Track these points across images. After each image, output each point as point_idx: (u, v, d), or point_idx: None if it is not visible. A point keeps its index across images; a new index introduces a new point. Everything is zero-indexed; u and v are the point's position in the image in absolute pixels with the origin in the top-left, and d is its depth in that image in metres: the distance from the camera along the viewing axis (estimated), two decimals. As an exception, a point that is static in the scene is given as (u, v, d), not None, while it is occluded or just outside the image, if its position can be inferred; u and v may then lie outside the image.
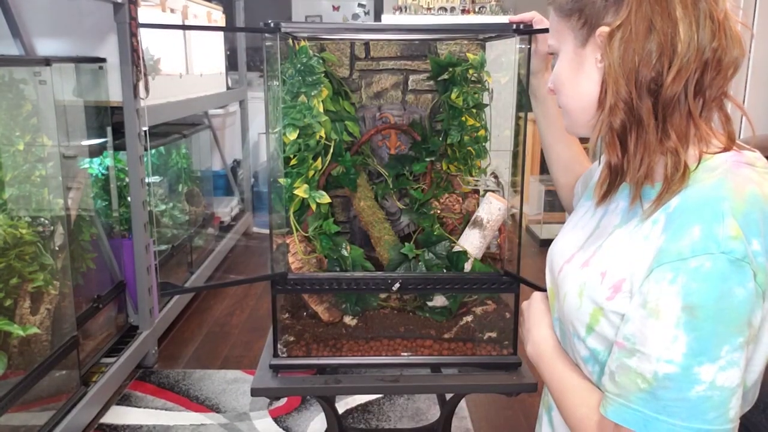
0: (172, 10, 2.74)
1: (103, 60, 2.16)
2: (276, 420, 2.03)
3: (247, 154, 4.21)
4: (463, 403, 2.07)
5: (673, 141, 0.63)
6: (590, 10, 0.67)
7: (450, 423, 1.37)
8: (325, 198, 1.12)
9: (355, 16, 5.48)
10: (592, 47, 0.68)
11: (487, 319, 1.18)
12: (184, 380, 2.27)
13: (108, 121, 2.26)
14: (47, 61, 1.75)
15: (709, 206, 0.60)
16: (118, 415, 2.04)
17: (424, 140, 1.21)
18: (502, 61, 1.18)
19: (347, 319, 1.17)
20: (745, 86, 2.58)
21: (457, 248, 1.17)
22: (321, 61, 1.09)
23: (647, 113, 0.63)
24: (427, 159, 1.21)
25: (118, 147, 2.30)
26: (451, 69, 1.16)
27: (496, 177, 1.24)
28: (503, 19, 2.02)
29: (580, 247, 0.76)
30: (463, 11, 4.36)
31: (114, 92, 2.17)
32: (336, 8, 5.53)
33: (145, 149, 2.24)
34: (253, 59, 4.74)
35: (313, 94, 1.07)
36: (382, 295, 1.18)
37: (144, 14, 2.31)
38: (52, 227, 1.75)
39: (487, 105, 1.20)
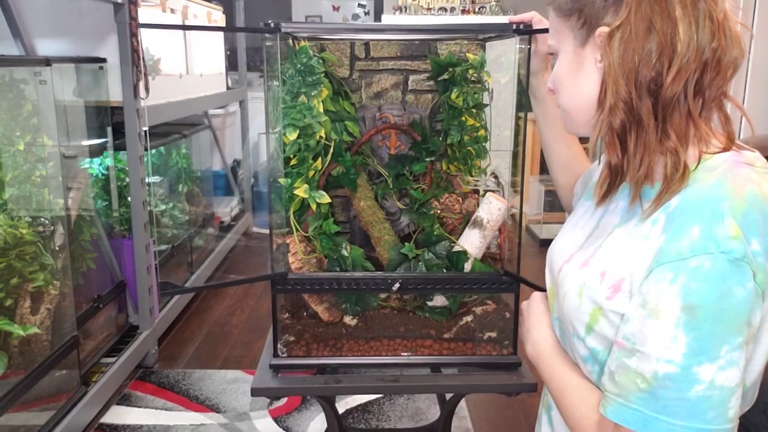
0: (172, 11, 2.74)
1: (104, 60, 2.16)
2: (276, 420, 2.03)
3: (247, 154, 4.22)
4: (463, 403, 2.07)
5: (672, 141, 0.63)
6: (590, 10, 0.67)
7: (450, 423, 1.37)
8: (325, 198, 1.12)
9: (355, 17, 5.48)
10: (592, 47, 0.68)
11: (487, 319, 1.18)
12: (184, 380, 2.27)
13: (108, 121, 2.26)
14: (47, 61, 1.75)
15: (708, 206, 0.60)
16: (118, 414, 2.04)
17: (424, 140, 1.21)
18: (502, 61, 1.18)
19: (347, 319, 1.17)
20: (745, 86, 2.59)
21: (457, 248, 1.17)
22: (321, 61, 1.09)
23: (647, 113, 0.64)
24: (427, 159, 1.21)
25: (119, 147, 2.30)
26: (451, 69, 1.16)
27: (496, 177, 1.24)
28: (503, 19, 2.02)
29: (580, 247, 0.76)
30: (463, 11, 4.37)
31: (114, 92, 2.17)
32: (336, 8, 5.53)
33: (146, 149, 2.24)
34: (253, 59, 4.75)
35: (313, 94, 1.08)
36: (382, 295, 1.19)
37: (144, 14, 2.32)
38: (52, 227, 1.75)
39: (487, 105, 1.20)
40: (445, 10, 4.37)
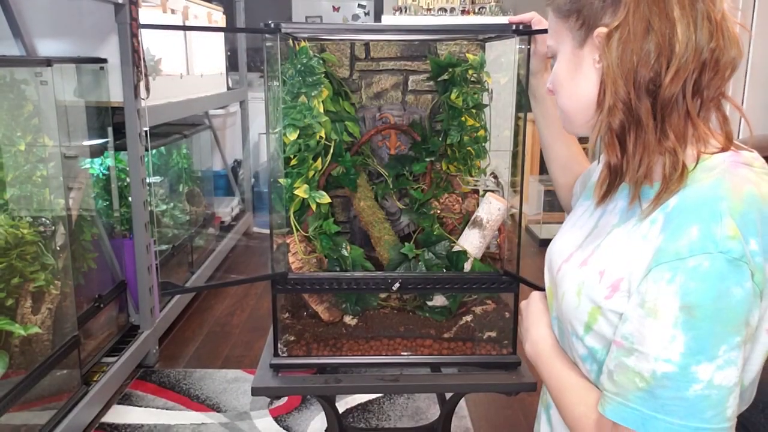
0: (172, 11, 2.75)
1: (104, 60, 2.17)
2: (276, 419, 2.03)
3: (248, 155, 4.22)
4: (462, 403, 2.07)
5: (671, 141, 0.64)
6: (588, 11, 0.67)
7: (450, 422, 1.37)
8: (325, 198, 1.12)
9: (355, 17, 5.48)
10: (590, 48, 0.68)
11: (487, 319, 1.18)
12: (184, 380, 2.28)
13: (109, 121, 2.26)
14: (48, 62, 1.76)
15: (707, 206, 0.61)
16: (119, 414, 2.05)
17: (423, 140, 1.22)
18: (501, 61, 1.19)
19: (347, 319, 1.17)
20: (744, 87, 2.59)
21: (456, 248, 1.17)
22: (321, 61, 1.09)
23: (646, 113, 0.64)
24: (427, 159, 1.21)
25: (119, 147, 2.31)
26: (450, 69, 1.16)
27: (495, 177, 1.24)
28: (503, 19, 2.02)
29: (579, 247, 0.76)
30: (463, 12, 4.37)
31: (115, 93, 2.17)
32: (336, 9, 5.53)
33: (146, 149, 2.25)
34: (253, 60, 4.75)
35: (313, 94, 1.08)
36: (382, 295, 1.19)
37: (145, 15, 2.32)
38: (53, 227, 1.75)
39: (486, 105, 1.21)
40: (445, 10, 4.37)
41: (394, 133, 1.24)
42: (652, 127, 0.64)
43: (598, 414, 0.66)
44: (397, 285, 1.09)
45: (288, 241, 1.15)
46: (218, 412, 2.08)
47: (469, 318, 1.18)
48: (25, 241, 1.64)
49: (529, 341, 0.82)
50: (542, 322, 0.81)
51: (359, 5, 5.50)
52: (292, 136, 1.07)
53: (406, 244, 1.18)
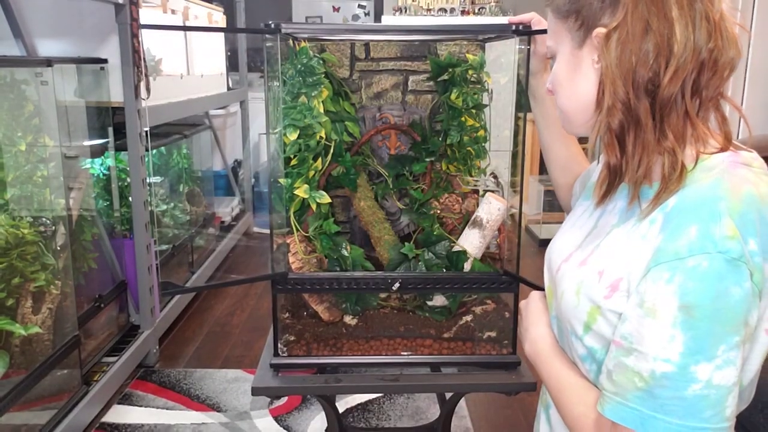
0: (173, 11, 2.75)
1: (105, 61, 2.17)
2: (277, 419, 2.03)
3: (248, 155, 4.22)
4: (462, 402, 2.08)
5: (670, 141, 0.64)
6: (587, 12, 0.67)
7: (450, 422, 1.37)
8: (325, 198, 1.12)
9: (355, 17, 5.48)
10: (589, 48, 0.68)
11: (487, 319, 1.18)
12: (185, 379, 2.28)
13: (109, 121, 2.26)
14: (49, 62, 1.76)
15: (706, 206, 0.61)
16: (119, 414, 2.05)
17: (423, 140, 1.22)
18: (501, 61, 1.19)
19: (347, 319, 1.17)
20: (744, 87, 2.59)
21: (456, 248, 1.18)
22: (321, 61, 1.09)
23: (645, 113, 0.64)
24: (427, 159, 1.21)
25: (120, 147, 2.31)
26: (450, 70, 1.16)
27: (495, 177, 1.25)
28: (503, 20, 2.03)
29: (578, 246, 0.76)
30: (463, 12, 4.37)
31: (115, 93, 2.18)
32: (336, 9, 5.53)
33: (147, 149, 2.25)
34: (253, 60, 4.75)
35: (313, 94, 1.08)
36: (382, 295, 1.19)
37: (145, 15, 2.32)
38: (53, 227, 1.75)
39: (486, 105, 1.21)
40: (445, 11, 4.38)
41: (394, 133, 1.24)
42: (651, 127, 0.64)
43: (597, 413, 0.66)
44: (397, 285, 1.09)
45: (288, 241, 1.15)
46: (218, 411, 2.08)
47: (469, 318, 1.18)
48: (26, 241, 1.65)
49: (529, 341, 0.82)
50: (541, 321, 0.81)
51: (359, 5, 5.50)
52: (293, 136, 1.08)
53: (406, 244, 1.19)
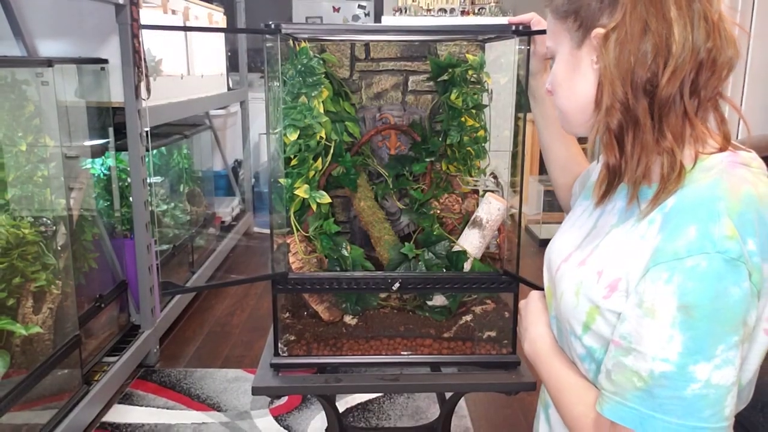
0: (173, 12, 2.75)
1: (105, 61, 2.17)
2: (277, 419, 2.03)
3: (248, 155, 4.22)
4: (462, 402, 2.08)
5: (669, 141, 0.64)
6: (585, 12, 0.67)
7: (449, 421, 1.37)
8: (325, 198, 1.12)
9: (355, 18, 5.48)
10: (588, 49, 0.68)
11: (487, 319, 1.18)
12: (185, 379, 2.28)
13: (110, 121, 2.27)
14: (49, 62, 1.76)
15: (704, 206, 0.61)
16: (120, 413, 2.05)
17: (423, 141, 1.22)
18: (501, 62, 1.19)
19: (347, 319, 1.17)
20: (743, 87, 2.59)
21: (456, 248, 1.18)
22: (321, 62, 1.09)
23: (643, 113, 0.64)
24: (427, 159, 1.21)
25: (120, 147, 2.31)
26: (450, 70, 1.17)
27: (495, 177, 1.25)
28: (502, 20, 2.03)
29: (578, 246, 0.76)
30: (463, 13, 4.37)
31: (116, 93, 2.18)
32: (336, 9, 5.53)
33: (147, 150, 2.25)
34: (254, 60, 4.75)
35: (313, 94, 1.08)
36: (382, 295, 1.19)
37: (145, 15, 2.32)
38: (54, 227, 1.76)
39: (486, 106, 1.21)
40: (445, 11, 4.38)
41: (394, 133, 1.24)
42: (649, 127, 0.64)
43: (596, 413, 0.66)
44: (397, 285, 1.09)
45: (288, 241, 1.15)
46: (219, 411, 2.08)
47: (468, 318, 1.18)
48: (27, 241, 1.65)
49: (528, 340, 0.82)
50: (541, 321, 0.82)
51: (359, 6, 5.50)
52: (293, 136, 1.08)
53: (406, 244, 1.19)
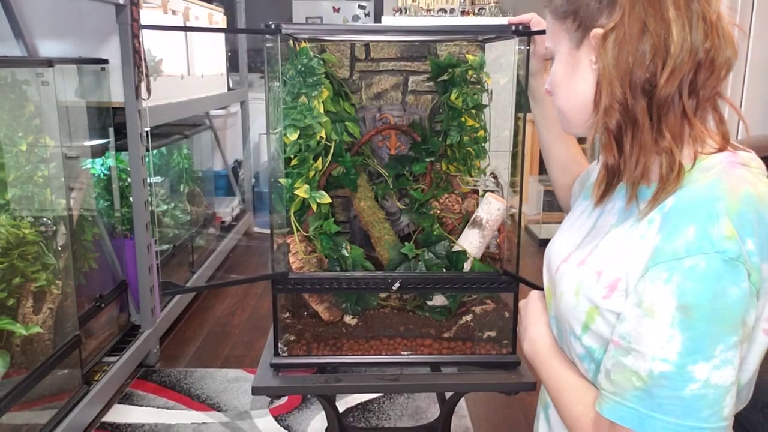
0: (173, 12, 2.75)
1: (105, 61, 2.17)
2: (277, 419, 2.04)
3: (248, 155, 4.22)
4: (462, 402, 2.08)
5: (667, 141, 0.64)
6: (584, 13, 0.68)
7: (449, 421, 1.37)
8: (325, 198, 1.13)
9: (356, 18, 5.48)
10: (587, 49, 0.69)
11: (487, 319, 1.18)
12: (185, 379, 2.28)
13: (110, 121, 2.27)
14: (50, 63, 1.76)
15: (704, 206, 0.61)
16: (120, 413, 2.05)
17: (423, 141, 1.22)
18: (501, 62, 1.19)
19: (347, 319, 1.18)
20: (743, 87, 2.59)
21: (456, 248, 1.18)
22: (321, 62, 1.10)
23: (642, 113, 0.64)
24: (427, 159, 1.21)
25: (120, 147, 2.31)
26: (450, 70, 1.17)
27: (495, 177, 1.25)
28: (502, 20, 2.03)
29: (577, 246, 0.76)
30: (463, 13, 4.37)
31: (116, 93, 2.18)
32: (336, 10, 5.53)
33: (147, 150, 2.25)
34: (254, 60, 4.76)
35: (313, 95, 1.08)
36: (382, 295, 1.19)
37: (146, 16, 2.32)
38: (54, 227, 1.76)
39: (486, 106, 1.21)
40: (445, 11, 4.38)
41: (394, 133, 1.24)
42: (648, 127, 0.64)
43: (595, 413, 0.66)
44: (397, 285, 1.10)
45: (288, 241, 1.15)
46: (219, 411, 2.08)
47: (468, 318, 1.19)
48: (27, 241, 1.65)
49: (528, 340, 0.82)
50: (541, 321, 0.82)
51: (359, 6, 5.51)
52: (293, 136, 1.08)
53: (406, 244, 1.19)
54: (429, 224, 1.20)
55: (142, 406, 2.11)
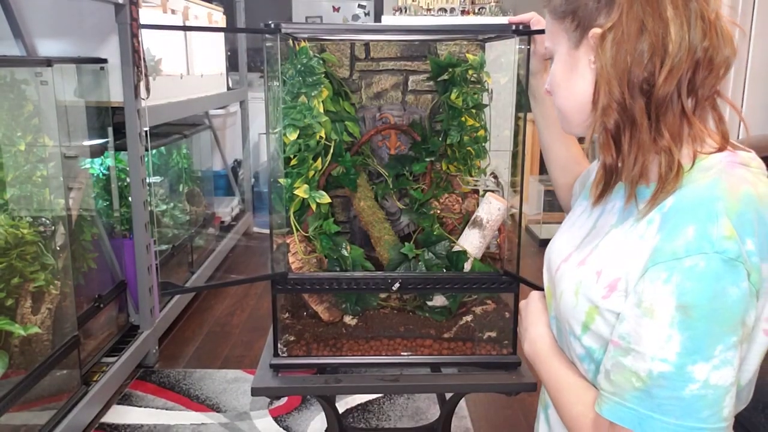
0: (173, 11, 2.75)
1: (105, 61, 2.17)
2: (276, 419, 2.03)
3: (248, 155, 4.22)
4: (462, 403, 2.08)
5: (666, 140, 0.64)
6: (583, 12, 0.67)
7: (450, 422, 1.37)
8: (325, 198, 1.12)
9: (355, 17, 5.48)
10: (586, 49, 0.68)
11: (487, 319, 1.18)
12: (184, 380, 2.28)
13: (109, 121, 2.27)
14: (49, 62, 1.76)
15: (703, 206, 0.61)
16: (118, 414, 2.05)
17: (423, 140, 1.22)
18: (501, 61, 1.19)
19: (347, 319, 1.17)
20: (744, 87, 2.59)
21: (456, 248, 1.18)
22: (321, 61, 1.09)
23: (640, 113, 0.64)
24: (427, 159, 1.21)
25: (119, 147, 2.31)
26: (450, 69, 1.17)
27: (495, 177, 1.25)
28: (502, 20, 2.03)
29: (577, 246, 0.76)
30: (463, 12, 4.37)
31: (115, 93, 2.18)
32: (336, 9, 5.53)
33: (146, 149, 2.25)
34: (253, 60, 4.75)
35: (313, 94, 1.08)
36: (382, 295, 1.19)
37: (145, 15, 2.32)
38: (53, 227, 1.75)
39: (486, 105, 1.21)
40: (445, 11, 4.38)
41: (394, 133, 1.24)
42: (646, 127, 0.64)
43: (595, 413, 0.66)
44: (397, 285, 1.09)
45: (288, 241, 1.15)
46: (218, 412, 2.08)
47: (469, 318, 1.18)
48: (25, 241, 1.65)
49: (528, 340, 0.82)
50: (541, 321, 0.81)
51: (359, 5, 5.50)
52: (292, 136, 1.08)
53: (406, 244, 1.19)
54: (429, 224, 1.20)
55: (141, 406, 2.10)
